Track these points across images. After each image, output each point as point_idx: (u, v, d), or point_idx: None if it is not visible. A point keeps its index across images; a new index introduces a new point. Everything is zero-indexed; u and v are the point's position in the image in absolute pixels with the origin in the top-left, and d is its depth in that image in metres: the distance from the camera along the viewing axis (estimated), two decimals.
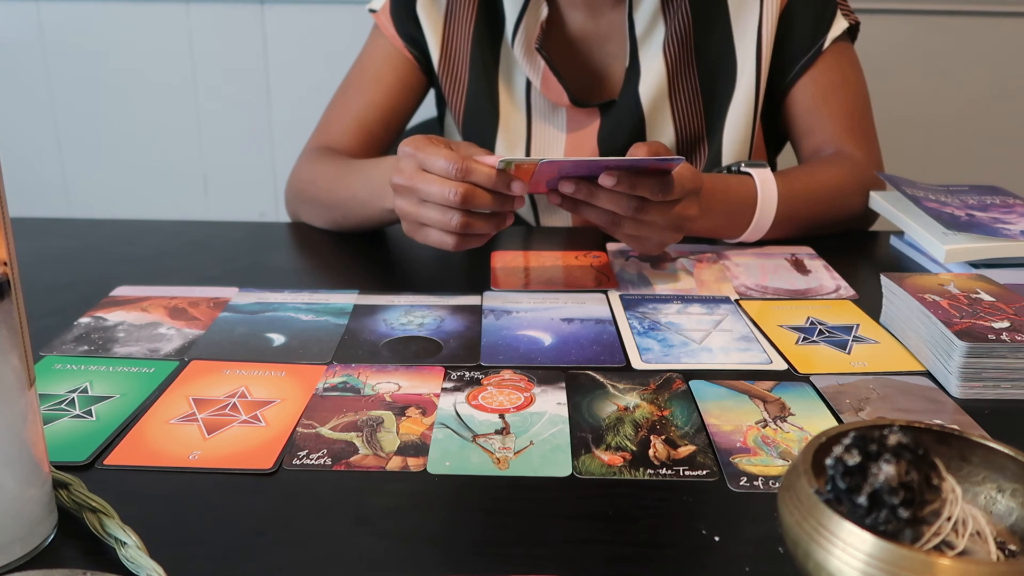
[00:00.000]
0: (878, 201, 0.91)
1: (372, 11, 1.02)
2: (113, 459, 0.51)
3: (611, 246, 0.88)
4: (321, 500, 0.47)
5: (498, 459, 0.51)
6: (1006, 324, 0.60)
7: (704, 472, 0.50)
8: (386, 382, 0.60)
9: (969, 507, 0.36)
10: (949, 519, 0.34)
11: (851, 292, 0.77)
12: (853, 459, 0.34)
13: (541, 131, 0.99)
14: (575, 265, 0.83)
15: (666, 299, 0.75)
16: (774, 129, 1.03)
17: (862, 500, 0.34)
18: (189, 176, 1.88)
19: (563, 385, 0.60)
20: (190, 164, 1.87)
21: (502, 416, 0.55)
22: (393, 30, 1.00)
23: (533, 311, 0.72)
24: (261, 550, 0.43)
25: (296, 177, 0.98)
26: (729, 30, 0.95)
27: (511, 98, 1.00)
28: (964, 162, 1.80)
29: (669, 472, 0.50)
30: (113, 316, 0.70)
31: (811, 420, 0.55)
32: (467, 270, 0.83)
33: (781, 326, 0.69)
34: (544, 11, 0.95)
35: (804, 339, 0.67)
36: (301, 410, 0.56)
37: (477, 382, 0.60)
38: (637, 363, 0.63)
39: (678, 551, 0.43)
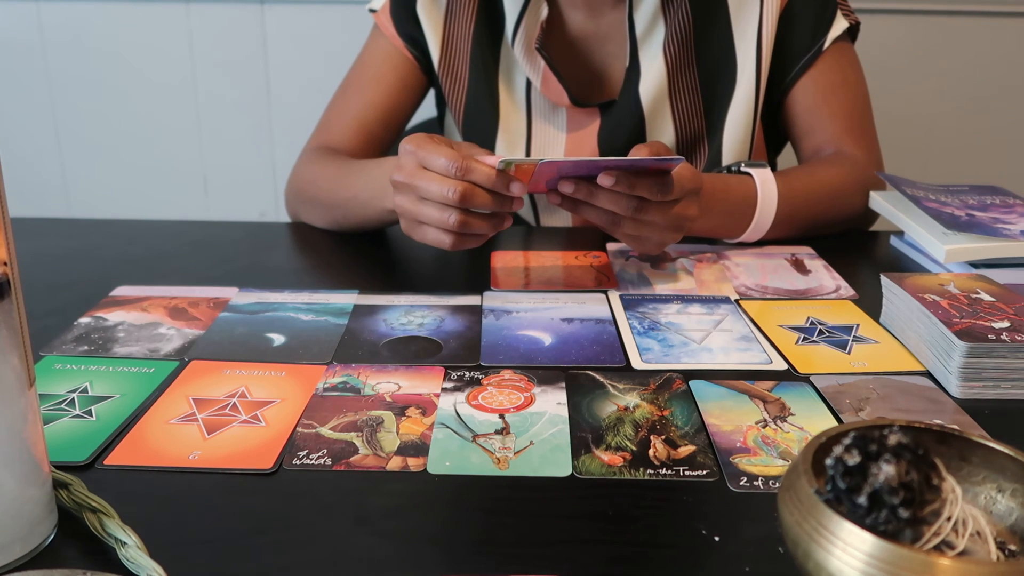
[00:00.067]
0: (878, 201, 0.91)
1: (372, 11, 1.02)
2: (113, 459, 0.51)
3: (611, 246, 0.88)
4: (321, 500, 0.47)
5: (498, 459, 0.51)
6: (1006, 324, 0.60)
7: (704, 472, 0.50)
8: (386, 382, 0.60)
9: (969, 507, 0.36)
10: (949, 519, 0.34)
11: (851, 292, 0.77)
12: (853, 459, 0.34)
13: (541, 131, 0.99)
14: (575, 265, 0.83)
15: (666, 299, 0.75)
16: (774, 129, 1.03)
17: (862, 500, 0.34)
18: (189, 176, 1.88)
19: (563, 385, 0.60)
20: (190, 164, 1.87)
21: (502, 416, 0.55)
22: (393, 30, 1.00)
23: (533, 311, 0.72)
24: (261, 550, 0.43)
25: (296, 177, 0.98)
26: (729, 30, 0.95)
27: (511, 98, 1.00)
28: (964, 162, 1.80)
29: (669, 472, 0.50)
30: (113, 316, 0.70)
31: (811, 420, 0.55)
32: (467, 270, 0.83)
33: (781, 326, 0.69)
34: (544, 11, 0.95)
35: (804, 339, 0.67)
36: (301, 410, 0.56)
37: (477, 382, 0.60)
38: (637, 363, 0.63)
39: (678, 551, 0.43)
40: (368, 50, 1.03)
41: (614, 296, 0.75)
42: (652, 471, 0.50)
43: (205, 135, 1.84)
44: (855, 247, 0.91)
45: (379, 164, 0.86)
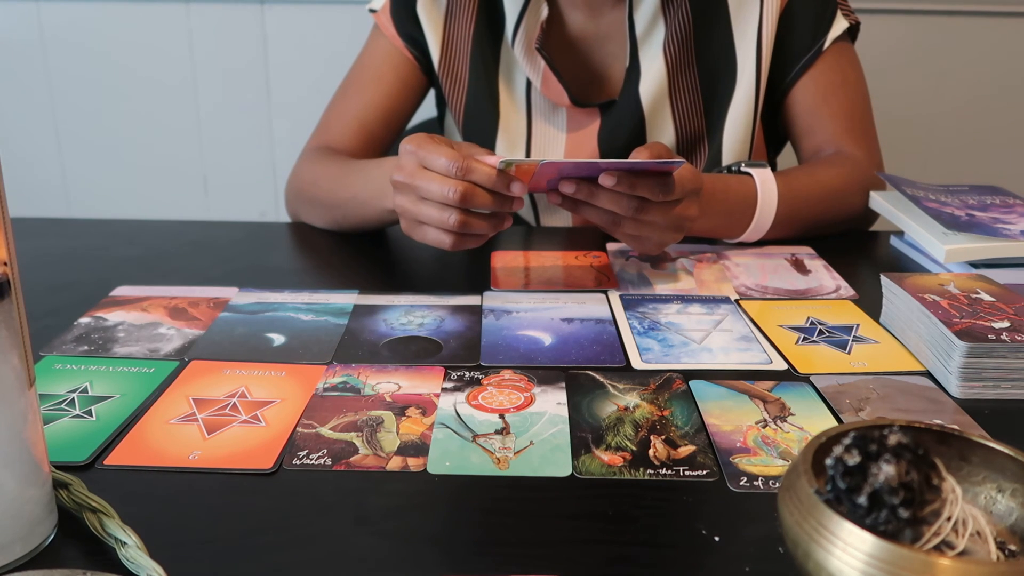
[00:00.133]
0: (878, 201, 0.91)
1: (372, 11, 1.02)
2: (113, 459, 0.51)
3: (611, 246, 0.88)
4: (321, 500, 0.47)
5: (498, 459, 0.51)
6: (1006, 324, 0.60)
7: (704, 472, 0.50)
8: (386, 382, 0.60)
9: (969, 507, 0.36)
10: (949, 519, 0.34)
11: (851, 292, 0.77)
12: (853, 459, 0.34)
13: (541, 131, 0.99)
14: (575, 265, 0.83)
15: (666, 299, 0.75)
16: (774, 129, 1.03)
17: (862, 500, 0.34)
18: (189, 176, 1.88)
19: (563, 385, 0.60)
20: (190, 164, 1.87)
21: (502, 416, 0.55)
22: (393, 30, 1.00)
23: (533, 311, 0.72)
24: (261, 550, 0.43)
25: (296, 177, 0.98)
26: (729, 30, 0.95)
27: (511, 98, 1.00)
28: (964, 162, 1.80)
29: (669, 472, 0.50)
30: (113, 316, 0.70)
31: (811, 420, 0.55)
32: (467, 270, 0.83)
33: (781, 326, 0.69)
34: (544, 11, 0.95)
35: (804, 339, 0.67)
36: (301, 410, 0.56)
37: (477, 382, 0.60)
38: (637, 363, 0.63)
39: (678, 551, 0.43)
40: (368, 50, 1.03)
41: (614, 296, 0.75)
42: (652, 471, 0.50)
43: (205, 135, 1.85)
44: (855, 247, 0.91)
45: (379, 164, 0.86)
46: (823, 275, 0.81)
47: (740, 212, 0.85)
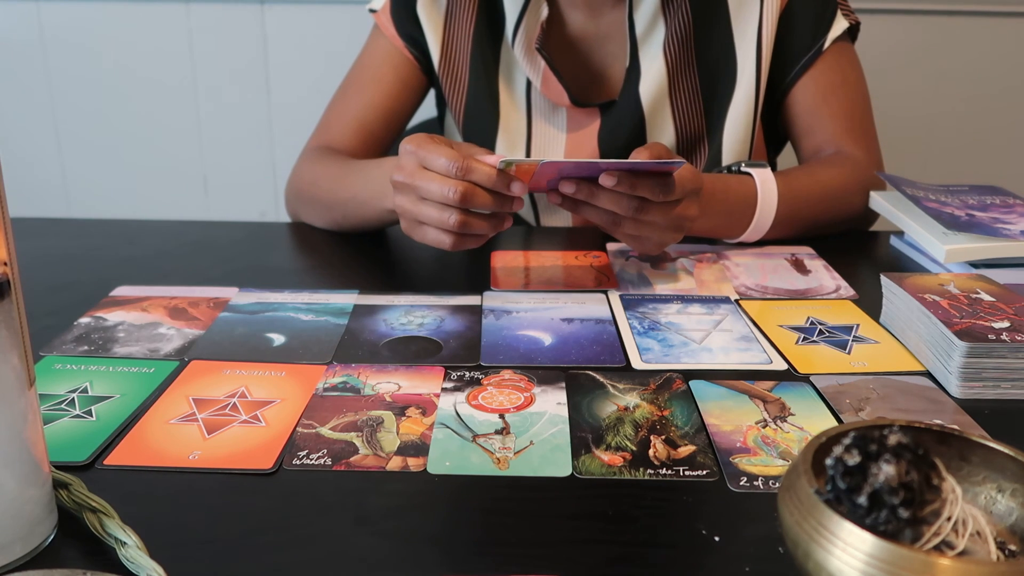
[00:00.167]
0: (878, 201, 0.91)
1: (372, 11, 1.02)
2: (113, 459, 0.51)
3: (611, 246, 0.88)
4: (321, 500, 0.47)
5: (498, 459, 0.51)
6: (1006, 324, 0.60)
7: (704, 472, 0.50)
8: (386, 382, 0.60)
9: (969, 507, 0.36)
10: (949, 519, 0.34)
11: (851, 292, 0.77)
12: (853, 459, 0.34)
13: (541, 131, 0.99)
14: (575, 265, 0.83)
15: (666, 299, 0.75)
16: (774, 129, 1.03)
17: (862, 500, 0.34)
18: (189, 176, 1.88)
19: (563, 385, 0.60)
20: (190, 164, 1.87)
21: (502, 416, 0.55)
22: (393, 30, 1.00)
23: (533, 311, 0.72)
24: (261, 550, 0.43)
25: (296, 177, 0.98)
26: (729, 30, 0.95)
27: (511, 98, 1.00)
28: (964, 162, 1.80)
29: (669, 472, 0.50)
30: (113, 316, 0.70)
31: (811, 420, 0.55)
32: (467, 270, 0.83)
33: (781, 326, 0.69)
34: (544, 11, 0.95)
35: (804, 339, 0.67)
36: (301, 410, 0.56)
37: (477, 382, 0.60)
38: (637, 363, 0.63)
39: (678, 551, 0.43)
40: (368, 50, 1.03)
41: (614, 296, 0.75)
42: (652, 471, 0.50)
43: (205, 135, 1.85)
44: (855, 247, 0.91)
45: (379, 164, 0.86)
46: (823, 275, 0.81)
47: (740, 212, 0.85)
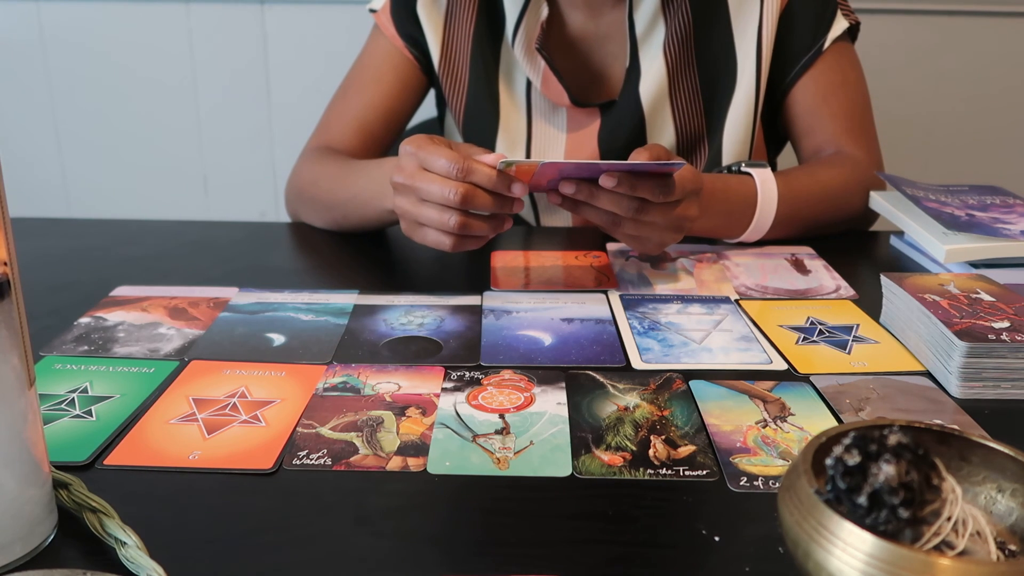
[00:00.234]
0: (878, 201, 0.91)
1: (372, 11, 1.02)
2: (113, 459, 0.51)
3: (611, 246, 0.88)
4: (321, 500, 0.47)
5: (498, 459, 0.51)
6: (1006, 324, 0.60)
7: (704, 472, 0.50)
8: (386, 382, 0.60)
9: (969, 507, 0.36)
10: (949, 519, 0.34)
11: (851, 292, 0.77)
12: (853, 459, 0.34)
13: (541, 131, 0.99)
14: (575, 265, 0.83)
15: (666, 299, 0.75)
16: (774, 129, 1.03)
17: (862, 500, 0.34)
18: (189, 176, 1.88)
19: (563, 385, 0.60)
20: (190, 164, 1.87)
21: (502, 416, 0.55)
22: (393, 30, 1.00)
23: (533, 311, 0.72)
24: (261, 550, 0.43)
25: (296, 177, 0.98)
26: (729, 30, 0.95)
27: (511, 98, 1.00)
28: (964, 162, 1.80)
29: (669, 472, 0.50)
30: (113, 316, 0.70)
31: (811, 420, 0.55)
32: (467, 270, 0.83)
33: (781, 326, 0.69)
34: (544, 11, 0.95)
35: (804, 339, 0.67)
36: (301, 410, 0.56)
37: (477, 382, 0.60)
38: (637, 363, 0.63)
39: (678, 551, 0.43)
40: (368, 50, 1.03)
41: (614, 296, 0.75)
42: (652, 471, 0.50)
43: (205, 135, 1.85)
44: (855, 247, 0.91)
45: (379, 164, 0.86)
46: (823, 275, 0.81)
47: (740, 212, 0.85)
